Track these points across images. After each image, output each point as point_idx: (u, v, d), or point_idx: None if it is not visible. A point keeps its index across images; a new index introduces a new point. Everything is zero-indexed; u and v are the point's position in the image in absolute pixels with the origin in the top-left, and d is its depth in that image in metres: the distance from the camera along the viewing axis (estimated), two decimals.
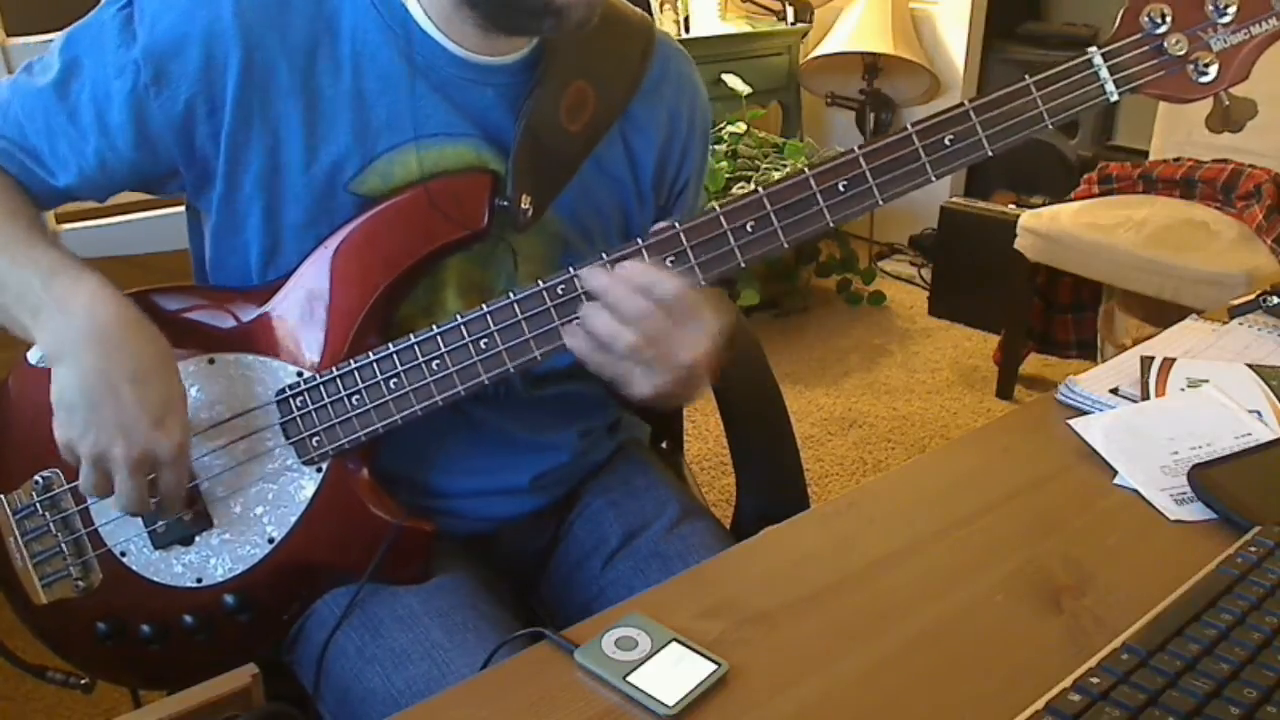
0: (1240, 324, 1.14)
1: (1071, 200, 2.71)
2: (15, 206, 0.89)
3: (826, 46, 3.68)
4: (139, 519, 0.89)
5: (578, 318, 0.83)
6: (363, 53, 0.88)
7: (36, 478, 0.91)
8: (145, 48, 0.85)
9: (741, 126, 3.26)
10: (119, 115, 0.87)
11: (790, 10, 3.75)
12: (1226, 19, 0.80)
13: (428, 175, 0.89)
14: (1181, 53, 0.81)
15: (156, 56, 0.85)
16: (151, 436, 0.81)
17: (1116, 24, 0.81)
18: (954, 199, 3.28)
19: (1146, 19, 0.80)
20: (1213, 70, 0.81)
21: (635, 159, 0.98)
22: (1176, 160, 2.62)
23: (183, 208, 0.99)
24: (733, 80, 3.28)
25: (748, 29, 3.68)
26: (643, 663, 0.67)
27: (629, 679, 0.66)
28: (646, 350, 0.80)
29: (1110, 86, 0.81)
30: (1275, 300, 1.15)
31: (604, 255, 0.84)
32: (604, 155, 0.96)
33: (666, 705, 0.64)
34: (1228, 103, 0.83)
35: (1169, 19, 0.80)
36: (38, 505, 0.91)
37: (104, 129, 0.87)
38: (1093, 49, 0.81)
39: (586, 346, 0.82)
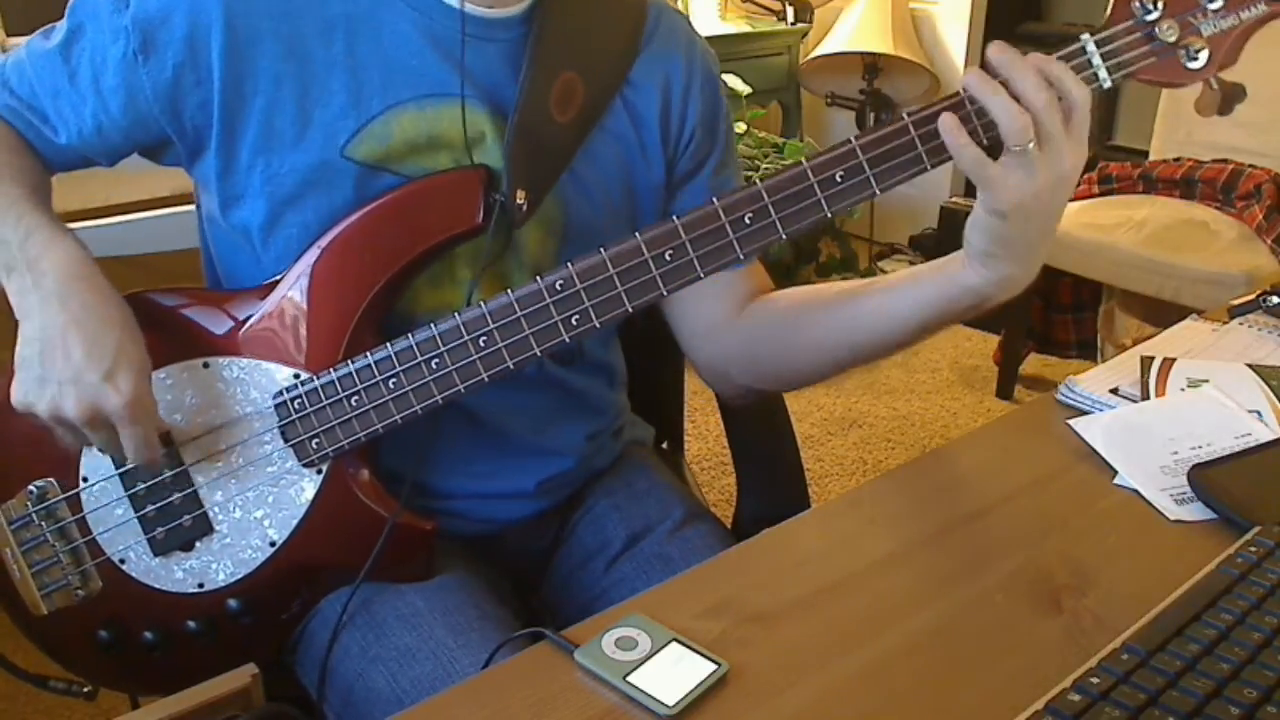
0: (1240, 324, 1.14)
1: (1071, 200, 2.70)
2: (16, 169, 0.91)
3: (826, 46, 3.68)
4: (138, 525, 0.89)
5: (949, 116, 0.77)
6: (355, 13, 0.87)
7: (31, 487, 0.90)
8: (134, 15, 0.85)
9: (741, 126, 3.25)
10: (112, 80, 0.88)
11: (790, 10, 3.75)
12: (1216, 5, 0.79)
13: (424, 136, 0.88)
14: (1172, 39, 0.80)
15: (144, 24, 0.85)
16: (99, 388, 0.81)
17: (1109, 11, 0.80)
18: (954, 198, 3.28)
19: (1138, 5, 0.80)
20: (1203, 56, 0.80)
21: (638, 117, 0.97)
22: (1176, 160, 2.62)
23: (185, 208, 0.99)
24: (733, 80, 3.28)
25: (748, 29, 3.68)
26: (643, 663, 0.67)
27: (629, 679, 0.66)
28: (1033, 141, 0.75)
29: (1103, 74, 0.80)
30: (1275, 300, 1.15)
31: (601, 251, 0.83)
32: (606, 120, 0.95)
33: (666, 705, 0.64)
34: (1217, 87, 0.82)
35: (1160, 5, 0.79)
36: (33, 515, 0.90)
37: (99, 92, 0.88)
38: (1085, 36, 0.80)
39: (957, 127, 0.77)
